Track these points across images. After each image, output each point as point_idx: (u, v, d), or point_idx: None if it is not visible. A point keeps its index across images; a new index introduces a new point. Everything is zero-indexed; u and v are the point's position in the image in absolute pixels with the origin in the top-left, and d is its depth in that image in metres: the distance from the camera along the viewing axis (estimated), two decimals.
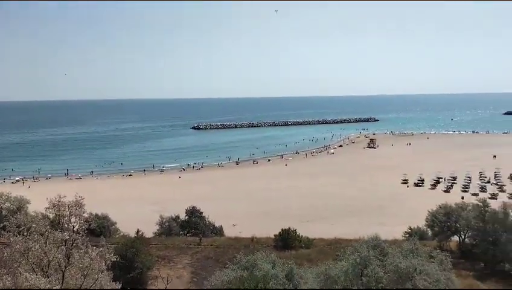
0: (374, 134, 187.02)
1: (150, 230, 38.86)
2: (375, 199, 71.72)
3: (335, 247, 31.10)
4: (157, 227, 40.05)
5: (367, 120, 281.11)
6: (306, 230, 37.48)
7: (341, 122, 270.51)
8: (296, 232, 33.55)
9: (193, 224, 40.20)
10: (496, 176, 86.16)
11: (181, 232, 39.70)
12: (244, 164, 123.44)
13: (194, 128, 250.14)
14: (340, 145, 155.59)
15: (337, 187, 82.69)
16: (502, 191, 74.07)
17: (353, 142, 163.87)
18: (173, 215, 41.30)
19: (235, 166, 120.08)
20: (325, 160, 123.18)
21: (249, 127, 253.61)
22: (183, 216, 41.42)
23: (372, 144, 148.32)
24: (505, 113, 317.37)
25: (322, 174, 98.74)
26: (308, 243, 33.02)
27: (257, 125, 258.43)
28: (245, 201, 73.41)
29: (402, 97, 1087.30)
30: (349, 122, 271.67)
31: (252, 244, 32.84)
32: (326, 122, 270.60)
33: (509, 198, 64.57)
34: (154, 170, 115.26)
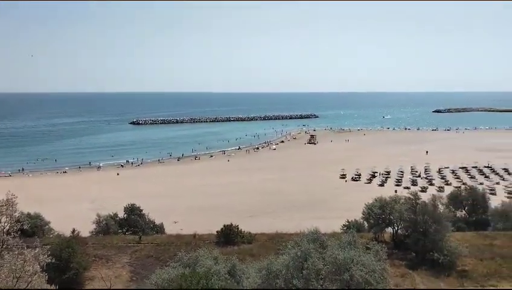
0: (314, 130, 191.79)
1: (86, 229, 37.34)
2: (315, 193, 73.63)
3: (277, 241, 31.49)
4: (94, 226, 38.53)
5: (308, 116, 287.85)
6: (248, 225, 37.68)
7: (283, 118, 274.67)
8: (238, 228, 33.62)
9: (132, 222, 39.11)
10: (425, 170, 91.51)
11: (120, 231, 38.46)
12: (185, 159, 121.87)
13: (132, 123, 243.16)
14: (282, 141, 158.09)
15: (278, 182, 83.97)
16: (431, 184, 78.76)
17: (294, 138, 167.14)
18: (111, 214, 39.90)
19: (176, 162, 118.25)
20: (267, 155, 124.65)
21: (190, 122, 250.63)
22: (121, 214, 40.15)
23: (312, 139, 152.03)
24: (434, 111, 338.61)
25: (264, 169, 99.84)
26: (251, 238, 33.21)
27: (199, 121, 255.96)
28: (186, 198, 72.57)
29: (340, 95, 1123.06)
30: (291, 118, 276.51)
31: (194, 241, 32.50)
32: (268, 118, 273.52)
33: (438, 191, 68.72)
34: (90, 167, 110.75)
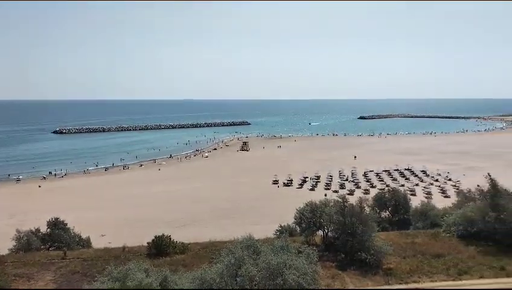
0: (247, 137, 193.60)
1: (5, 246, 34.47)
2: (248, 200, 74.04)
3: (210, 250, 31.14)
4: (14, 243, 35.65)
5: (240, 124, 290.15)
6: (181, 235, 36.89)
7: (215, 125, 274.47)
8: (170, 238, 32.74)
9: (56, 237, 36.63)
10: (352, 174, 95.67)
11: (42, 247, 35.86)
12: (113, 169, 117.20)
13: (55, 132, 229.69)
14: (215, 149, 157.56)
15: (212, 190, 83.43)
16: (358, 187, 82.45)
17: (227, 145, 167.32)
18: (33, 229, 37.09)
19: (104, 172, 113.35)
20: (200, 163, 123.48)
21: (118, 130, 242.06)
22: (44, 229, 37.53)
23: (245, 146, 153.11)
24: (359, 118, 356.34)
25: (197, 177, 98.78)
26: (183, 248, 32.48)
27: (127, 129, 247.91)
28: (115, 209, 69.72)
29: (273, 102, 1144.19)
30: (223, 125, 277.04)
31: (124, 254, 31.15)
32: (200, 126, 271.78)
33: (364, 193, 72.04)
34: (8, 180, 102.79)
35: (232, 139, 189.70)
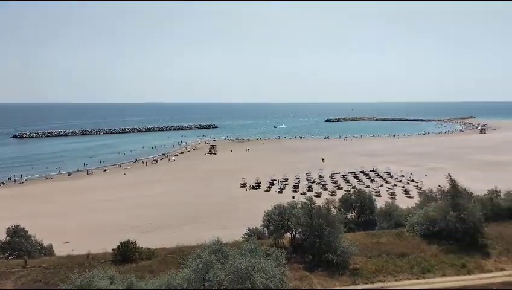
0: (215, 140, 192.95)
1: None
2: (217, 204, 73.64)
3: (178, 255, 30.75)
4: None
5: (207, 127, 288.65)
6: (148, 241, 36.25)
7: (181, 129, 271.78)
8: (136, 244, 32.09)
9: (16, 245, 35.20)
10: (319, 176, 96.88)
11: (1, 256, 34.44)
12: (77, 175, 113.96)
13: (15, 137, 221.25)
14: (182, 152, 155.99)
15: (179, 194, 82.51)
16: (325, 189, 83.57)
17: (194, 149, 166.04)
18: None
19: (67, 178, 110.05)
20: (167, 167, 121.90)
21: (81, 134, 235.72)
22: (3, 237, 36.02)
23: (212, 150, 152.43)
24: (326, 121, 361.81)
25: (164, 181, 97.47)
26: (149, 254, 31.90)
27: (91, 133, 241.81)
28: (78, 215, 67.80)
29: (241, 105, 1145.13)
30: (190, 129, 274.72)
31: (88, 261, 30.29)
32: (166, 129, 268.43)
33: (331, 195, 73.09)
34: None
35: (200, 143, 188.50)
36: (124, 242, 31.65)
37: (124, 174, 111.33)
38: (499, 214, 38.74)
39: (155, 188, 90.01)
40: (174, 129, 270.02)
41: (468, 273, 27.10)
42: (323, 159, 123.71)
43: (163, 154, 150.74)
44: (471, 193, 36.87)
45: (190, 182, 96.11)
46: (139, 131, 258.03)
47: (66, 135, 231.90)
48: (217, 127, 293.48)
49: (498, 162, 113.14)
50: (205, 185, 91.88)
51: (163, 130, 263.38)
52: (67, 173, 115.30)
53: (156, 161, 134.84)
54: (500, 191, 44.11)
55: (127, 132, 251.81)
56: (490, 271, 27.37)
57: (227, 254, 21.32)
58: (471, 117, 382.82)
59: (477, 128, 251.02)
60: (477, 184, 56.31)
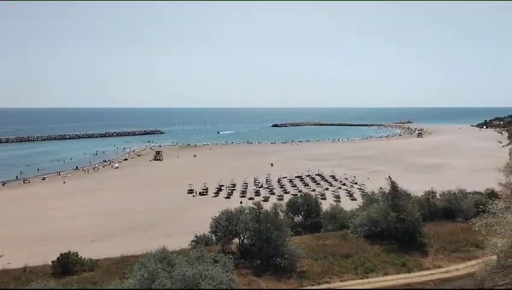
0: (160, 146, 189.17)
1: None
2: (163, 211, 72.09)
3: (122, 265, 29.82)
4: None
5: (152, 132, 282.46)
6: (90, 251, 34.85)
7: (125, 135, 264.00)
8: (77, 255, 30.78)
9: None
10: (267, 181, 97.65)
11: None
12: (12, 184, 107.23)
13: None
14: (125, 159, 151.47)
15: (123, 202, 79.96)
16: (272, 193, 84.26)
17: (139, 155, 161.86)
18: None
19: (2, 187, 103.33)
20: (110, 175, 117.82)
21: (17, 141, 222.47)
22: None
23: (158, 156, 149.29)
24: (273, 126, 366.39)
25: (107, 189, 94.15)
26: (92, 265, 30.71)
27: (28, 140, 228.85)
28: (14, 227, 63.74)
29: (185, 110, 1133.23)
30: (134, 134, 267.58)
31: (25, 275, 28.64)
32: (109, 135, 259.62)
33: (278, 199, 73.82)
34: None
35: (144, 149, 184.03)
36: (64, 253, 30.29)
37: (64, 182, 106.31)
38: (435, 214, 40.99)
39: (97, 196, 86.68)
40: (118, 135, 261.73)
41: (409, 271, 28.33)
42: (271, 164, 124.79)
43: (106, 161, 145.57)
44: (410, 194, 38.72)
45: (135, 189, 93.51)
46: (80, 137, 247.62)
47: (0, 141, 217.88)
48: (162, 132, 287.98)
49: (434, 165, 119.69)
50: (151, 192, 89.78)
51: (106, 136, 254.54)
52: (2, 182, 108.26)
53: (98, 168, 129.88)
54: (435, 192, 46.63)
55: (68, 138, 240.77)
56: (428, 268, 28.78)
57: (173, 262, 20.90)
58: (408, 122, 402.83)
59: (414, 132, 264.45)
60: (415, 186, 59.18)
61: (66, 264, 29.57)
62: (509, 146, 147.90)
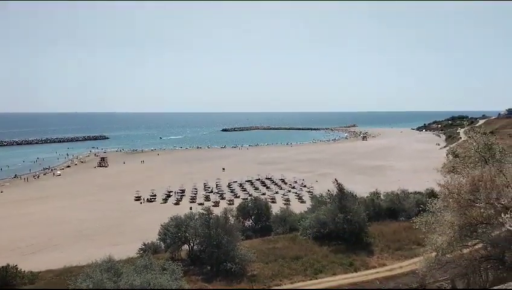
0: (105, 152, 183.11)
1: None
2: (109, 219, 69.77)
3: (66, 277, 28.48)
4: None
5: (96, 138, 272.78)
6: (31, 263, 33.08)
7: (68, 141, 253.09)
8: (17, 268, 29.10)
9: None
10: (217, 185, 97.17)
11: None
12: None
13: None
14: (68, 166, 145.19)
15: (66, 211, 76.54)
16: (223, 198, 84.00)
17: (82, 162, 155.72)
18: None
19: None
20: (52, 183, 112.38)
21: None
22: None
23: (103, 162, 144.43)
24: (222, 130, 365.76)
25: (49, 198, 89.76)
26: (33, 277, 29.15)
27: None
28: None
29: (131, 115, 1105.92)
30: (78, 140, 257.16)
31: None
32: (50, 142, 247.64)
33: (228, 204, 73.61)
34: None
35: (89, 155, 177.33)
36: (2, 267, 28.58)
37: (1, 191, 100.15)
38: (380, 214, 42.55)
39: (39, 205, 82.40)
40: (60, 141, 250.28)
41: (355, 270, 29.16)
42: (223, 169, 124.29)
43: (47, 168, 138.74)
44: (356, 196, 39.94)
45: (79, 197, 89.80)
46: (18, 144, 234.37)
47: None
48: (107, 138, 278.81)
49: (378, 166, 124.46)
50: (96, 199, 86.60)
51: (47, 143, 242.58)
52: None
53: (39, 176, 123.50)
54: (380, 193, 48.42)
55: (4, 145, 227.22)
56: (374, 267, 29.78)
57: (120, 271, 20.22)
58: (354, 125, 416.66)
59: (360, 136, 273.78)
60: (360, 187, 61.26)
61: (4, 278, 27.91)
62: (446, 148, 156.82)
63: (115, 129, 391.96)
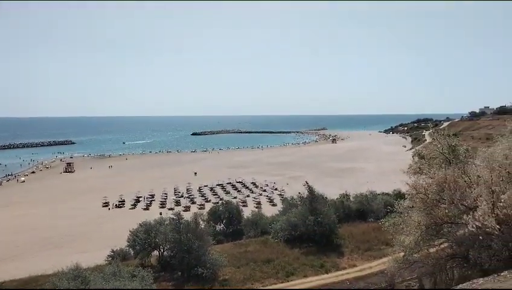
0: (72, 157, 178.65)
1: None
2: (76, 226, 67.95)
3: (31, 286, 27.57)
4: None
5: (62, 143, 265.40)
6: None
7: (32, 146, 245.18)
8: None
9: None
10: (187, 190, 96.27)
11: None
12: None
13: None
14: (33, 172, 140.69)
15: (32, 218, 74.09)
16: (193, 203, 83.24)
17: (47, 168, 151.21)
18: None
19: None
20: (15, 189, 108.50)
21: None
22: None
23: (69, 168, 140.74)
24: (193, 134, 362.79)
25: (13, 205, 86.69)
26: None
27: None
28: None
29: (96, 119, 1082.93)
30: (43, 145, 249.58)
31: None
32: (14, 147, 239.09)
33: (199, 208, 73.04)
34: None
35: (54, 161, 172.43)
36: None
37: None
38: (349, 215, 43.15)
39: (1, 213, 79.39)
40: (24, 146, 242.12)
41: (326, 272, 29.45)
42: (195, 173, 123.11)
43: (10, 175, 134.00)
44: (326, 198, 40.36)
45: (45, 204, 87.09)
46: None
47: None
48: (73, 143, 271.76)
49: (347, 169, 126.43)
50: (63, 206, 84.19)
51: (10, 148, 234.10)
52: None
53: (1, 183, 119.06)
54: (349, 195, 49.17)
55: None
56: (344, 268, 30.16)
57: (88, 279, 19.70)
58: (323, 129, 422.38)
59: (329, 138, 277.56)
60: (330, 189, 62.03)
61: None
62: (413, 150, 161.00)
63: (82, 134, 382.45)
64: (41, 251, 55.14)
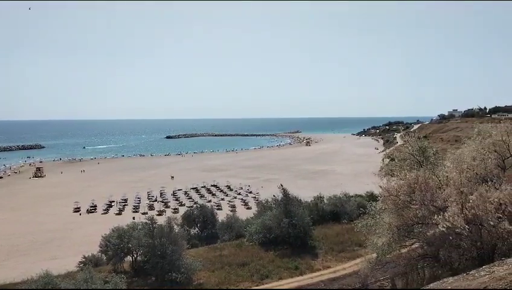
0: (41, 162, 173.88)
1: None
2: (45, 232, 66.11)
3: None
4: None
5: (32, 147, 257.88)
6: None
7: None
8: None
9: None
10: (161, 194, 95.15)
11: None
12: None
13: None
14: (1, 177, 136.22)
15: None
16: (167, 207, 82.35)
17: (16, 173, 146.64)
18: None
19: None
20: None
21: None
22: None
23: (39, 173, 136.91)
24: (166, 137, 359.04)
25: None
26: None
27: None
28: None
29: (68, 122, 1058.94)
30: (11, 150, 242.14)
31: None
32: None
33: (173, 212, 72.35)
34: None
35: (23, 165, 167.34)
36: None
37: None
38: (323, 217, 43.60)
39: None
40: None
41: (301, 274, 29.63)
42: (172, 177, 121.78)
43: None
44: (300, 200, 40.67)
45: (13, 210, 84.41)
46: None
47: None
48: (43, 147, 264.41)
49: (321, 171, 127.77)
50: (32, 212, 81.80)
51: None
52: None
53: None
54: (323, 197, 49.68)
55: None
56: (319, 270, 30.41)
57: (59, 287, 19.22)
58: (297, 131, 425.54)
59: (303, 141, 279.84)
60: (305, 191, 62.47)
61: None
62: (384, 152, 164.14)
63: (51, 137, 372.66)
64: (9, 259, 53.40)
